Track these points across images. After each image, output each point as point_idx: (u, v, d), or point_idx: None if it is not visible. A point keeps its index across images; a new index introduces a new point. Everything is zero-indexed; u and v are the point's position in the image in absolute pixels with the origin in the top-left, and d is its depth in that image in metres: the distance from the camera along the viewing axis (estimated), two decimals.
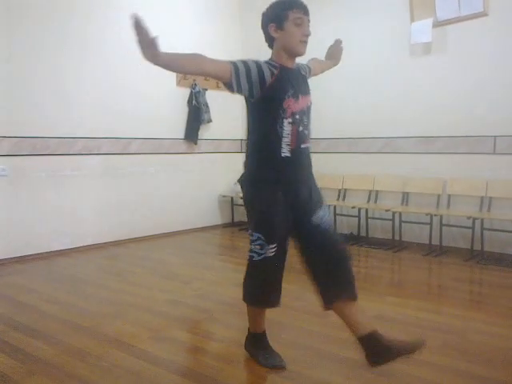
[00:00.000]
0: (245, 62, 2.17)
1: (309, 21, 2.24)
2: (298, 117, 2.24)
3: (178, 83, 6.10)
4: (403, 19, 5.47)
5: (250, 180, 2.36)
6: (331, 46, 2.82)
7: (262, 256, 2.30)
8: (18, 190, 4.74)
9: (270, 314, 2.56)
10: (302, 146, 2.29)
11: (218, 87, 6.24)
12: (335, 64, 2.84)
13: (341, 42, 2.80)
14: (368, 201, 5.87)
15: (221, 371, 2.44)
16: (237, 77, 2.13)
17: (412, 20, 5.41)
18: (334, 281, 2.32)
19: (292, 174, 2.30)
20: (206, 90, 6.29)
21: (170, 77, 6.01)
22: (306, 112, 2.31)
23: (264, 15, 2.29)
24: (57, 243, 5.03)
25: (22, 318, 3.20)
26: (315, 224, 2.33)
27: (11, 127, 4.65)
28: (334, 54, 2.82)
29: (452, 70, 5.23)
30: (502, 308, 3.52)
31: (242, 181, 2.40)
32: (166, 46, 2.00)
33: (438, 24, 5.25)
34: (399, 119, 5.61)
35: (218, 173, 6.62)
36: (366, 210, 5.71)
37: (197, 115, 6.24)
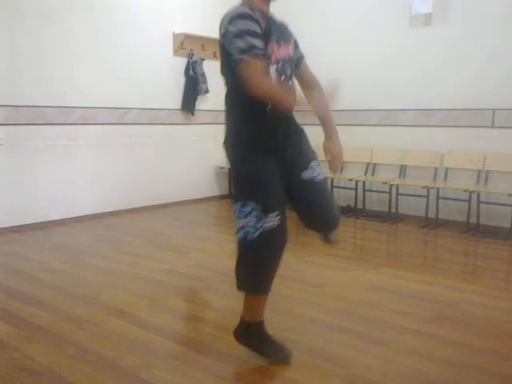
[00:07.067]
0: (244, 31, 1.90)
1: None
2: (281, 64, 2.06)
3: (175, 53, 6.00)
4: None
5: (234, 141, 2.18)
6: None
7: (259, 231, 1.98)
8: (14, 160, 4.71)
9: None
10: None
11: (215, 57, 6.15)
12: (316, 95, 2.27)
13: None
14: (365, 173, 5.87)
15: (218, 339, 2.47)
16: (257, 51, 1.92)
17: None
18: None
19: (278, 128, 2.09)
20: (204, 59, 6.19)
21: (167, 46, 5.92)
22: (288, 61, 2.11)
23: None
24: (54, 213, 5.03)
25: (20, 286, 3.22)
26: (307, 179, 2.16)
27: (8, 95, 4.59)
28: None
29: (452, 41, 5.16)
30: (496, 280, 3.57)
31: (225, 143, 2.22)
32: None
33: None
34: (398, 92, 5.57)
35: (215, 144, 6.54)
36: (364, 183, 5.72)
37: (194, 86, 6.16)
